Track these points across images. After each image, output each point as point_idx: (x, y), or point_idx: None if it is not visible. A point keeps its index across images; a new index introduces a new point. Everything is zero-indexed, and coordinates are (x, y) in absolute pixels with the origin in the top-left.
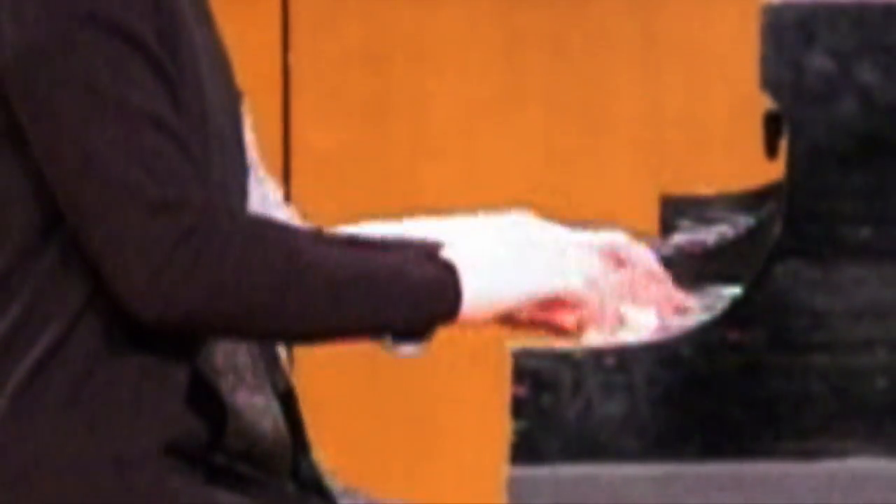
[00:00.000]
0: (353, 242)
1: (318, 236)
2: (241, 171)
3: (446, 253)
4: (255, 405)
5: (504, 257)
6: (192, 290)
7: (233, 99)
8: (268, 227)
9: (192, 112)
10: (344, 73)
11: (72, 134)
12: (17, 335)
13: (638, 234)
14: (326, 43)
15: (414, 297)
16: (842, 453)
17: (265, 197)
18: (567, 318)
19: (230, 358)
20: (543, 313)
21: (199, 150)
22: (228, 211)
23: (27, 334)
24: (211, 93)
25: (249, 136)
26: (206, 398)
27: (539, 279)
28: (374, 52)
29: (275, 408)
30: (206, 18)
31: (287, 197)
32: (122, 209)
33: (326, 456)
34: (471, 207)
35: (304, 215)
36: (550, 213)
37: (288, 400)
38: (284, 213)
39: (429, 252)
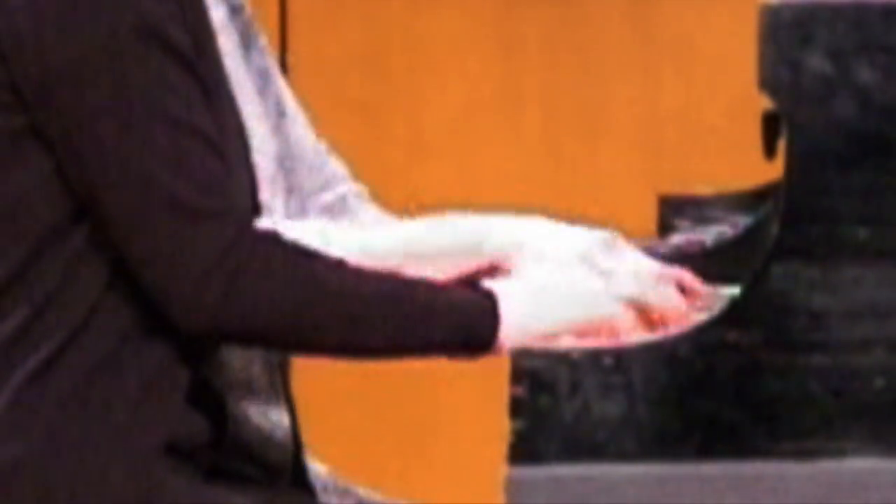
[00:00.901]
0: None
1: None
2: (249, 187)
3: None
4: (265, 415)
5: (546, 286)
6: (238, 302)
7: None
8: (306, 247)
9: (219, 122)
10: (342, 74)
11: (112, 142)
12: (26, 333)
13: (636, 235)
14: (325, 44)
15: (451, 319)
16: (840, 453)
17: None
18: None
19: (246, 367)
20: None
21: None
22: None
23: (36, 333)
24: (233, 103)
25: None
26: (208, 399)
27: (579, 311)
28: (372, 53)
29: (286, 418)
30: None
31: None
32: (166, 219)
33: (324, 456)
34: (469, 208)
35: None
36: (548, 214)
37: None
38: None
39: (468, 281)
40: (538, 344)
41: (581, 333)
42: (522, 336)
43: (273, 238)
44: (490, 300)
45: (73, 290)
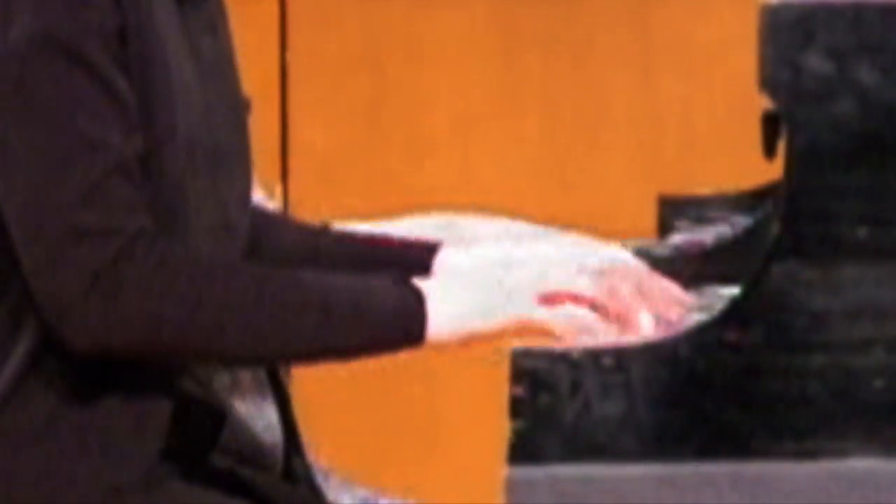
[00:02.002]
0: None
1: (269, 271)
2: (244, 179)
3: (415, 280)
4: (248, 406)
5: (476, 283)
6: (116, 318)
7: (237, 108)
8: (204, 258)
9: (159, 125)
10: (342, 73)
11: (12, 155)
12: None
13: (635, 235)
14: (324, 43)
15: (375, 321)
16: (840, 453)
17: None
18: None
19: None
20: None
21: (161, 165)
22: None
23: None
24: (188, 105)
25: None
26: (197, 412)
27: (509, 308)
28: (371, 52)
29: (270, 409)
30: (211, 30)
31: (284, 196)
32: (50, 233)
33: (325, 455)
34: (467, 208)
35: (302, 214)
36: (547, 214)
37: (283, 401)
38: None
39: (396, 279)
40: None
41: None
42: (452, 335)
43: (172, 254)
44: (417, 298)
45: (23, 323)
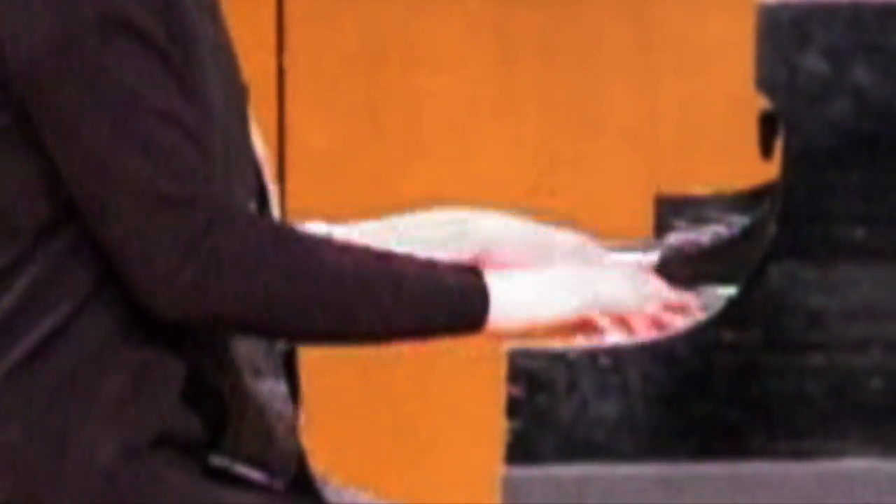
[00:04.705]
0: (382, 253)
1: (344, 243)
2: (247, 167)
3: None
4: (265, 391)
5: (540, 277)
6: (213, 286)
7: (238, 94)
8: (289, 229)
9: (199, 109)
10: (338, 74)
11: (86, 132)
12: (15, 320)
13: (633, 235)
14: (321, 43)
15: (442, 299)
16: (838, 453)
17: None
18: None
19: (252, 355)
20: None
21: (208, 146)
22: (241, 209)
23: (25, 320)
24: (215, 89)
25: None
26: (206, 397)
27: (571, 301)
28: (368, 52)
29: (288, 410)
30: (211, 13)
31: (281, 196)
32: (138, 206)
33: (321, 455)
34: (466, 207)
35: (300, 214)
36: (545, 214)
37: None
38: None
39: (461, 265)
40: (530, 332)
41: (568, 328)
42: (511, 321)
43: (259, 224)
44: (480, 280)
45: (62, 283)
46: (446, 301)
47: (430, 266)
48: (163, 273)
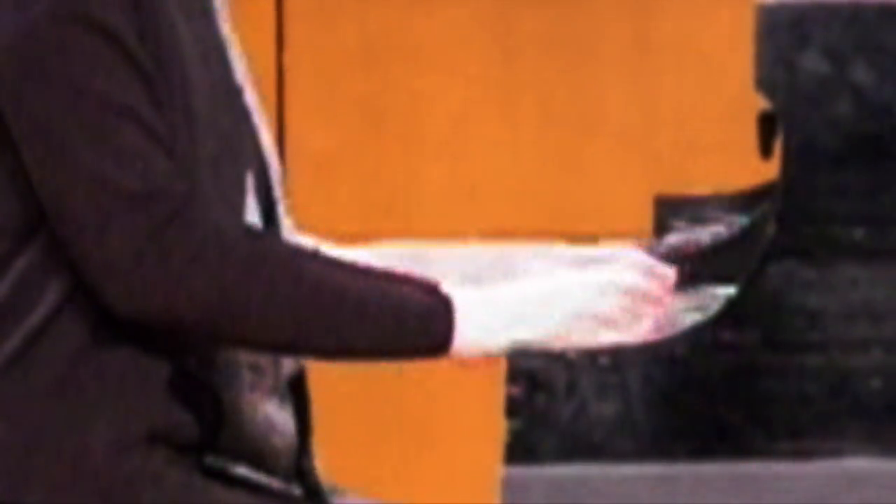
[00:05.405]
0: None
1: (314, 253)
2: (241, 165)
3: (446, 289)
4: (267, 404)
5: (505, 302)
6: (164, 283)
7: (232, 93)
8: (262, 235)
9: (177, 108)
10: (339, 73)
11: (48, 127)
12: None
13: (632, 235)
14: (321, 43)
15: (403, 324)
16: (836, 453)
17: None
18: None
19: (252, 355)
20: None
21: (184, 145)
22: (216, 208)
23: (10, 320)
24: (201, 89)
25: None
26: (198, 396)
27: (534, 331)
28: (369, 52)
29: (288, 410)
30: (204, 13)
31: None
32: (95, 201)
33: (321, 456)
34: (465, 207)
35: (299, 216)
36: (545, 214)
37: (300, 402)
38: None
39: (429, 285)
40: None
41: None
42: (477, 348)
43: (229, 225)
44: (445, 305)
45: (45, 282)
46: (410, 324)
47: (397, 282)
48: (116, 268)
